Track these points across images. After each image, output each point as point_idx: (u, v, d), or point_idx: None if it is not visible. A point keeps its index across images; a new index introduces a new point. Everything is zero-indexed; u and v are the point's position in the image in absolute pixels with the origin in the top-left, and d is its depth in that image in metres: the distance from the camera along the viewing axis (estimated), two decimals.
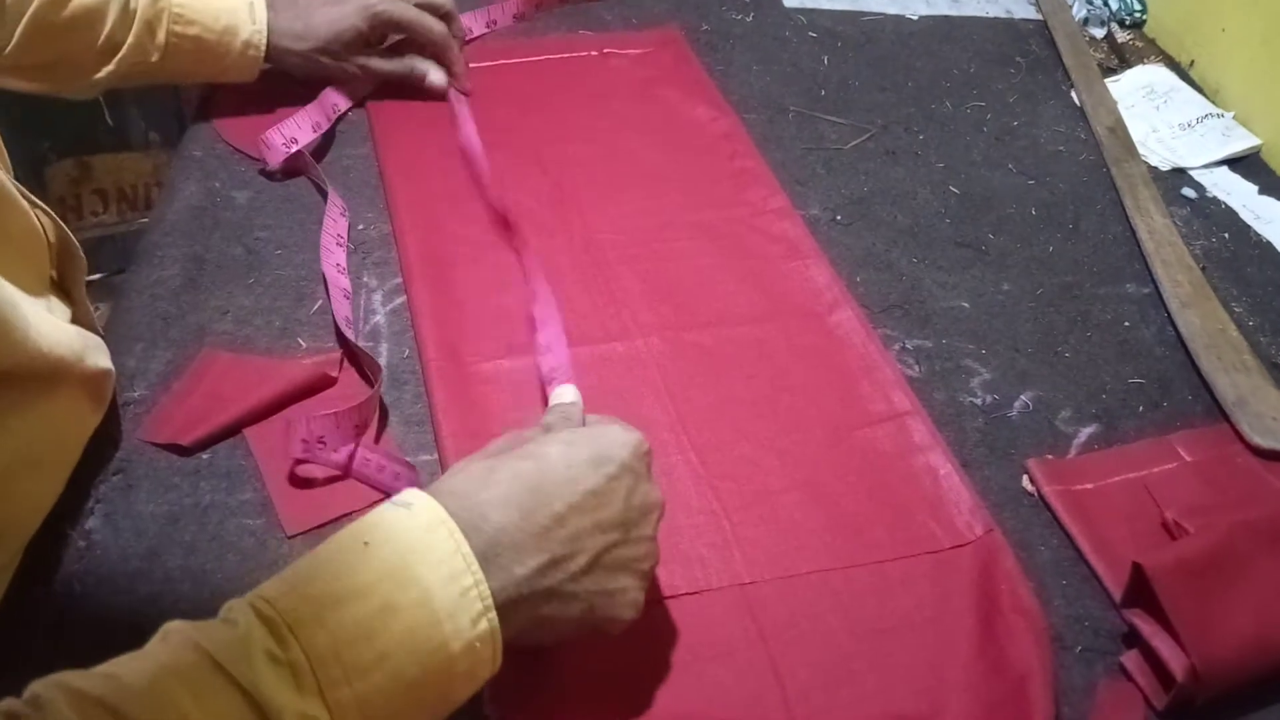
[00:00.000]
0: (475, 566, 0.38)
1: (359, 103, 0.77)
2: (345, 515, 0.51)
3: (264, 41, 0.71)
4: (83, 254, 0.54)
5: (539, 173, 0.73)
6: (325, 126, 0.74)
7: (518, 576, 0.39)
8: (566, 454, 0.42)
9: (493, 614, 0.38)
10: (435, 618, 0.37)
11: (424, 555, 0.37)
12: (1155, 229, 0.72)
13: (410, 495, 0.40)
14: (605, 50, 0.85)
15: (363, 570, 0.37)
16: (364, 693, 0.35)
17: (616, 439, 0.44)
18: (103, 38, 0.65)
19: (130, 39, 0.66)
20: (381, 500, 0.51)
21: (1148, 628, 0.48)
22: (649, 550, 0.43)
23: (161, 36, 0.67)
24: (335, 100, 0.75)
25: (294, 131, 0.71)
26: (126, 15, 0.66)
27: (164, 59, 0.68)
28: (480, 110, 0.78)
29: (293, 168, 0.71)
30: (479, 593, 0.38)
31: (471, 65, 0.82)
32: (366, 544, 0.38)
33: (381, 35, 0.76)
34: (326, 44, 0.72)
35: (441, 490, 0.41)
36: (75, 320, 0.52)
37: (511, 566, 0.39)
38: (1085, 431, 0.59)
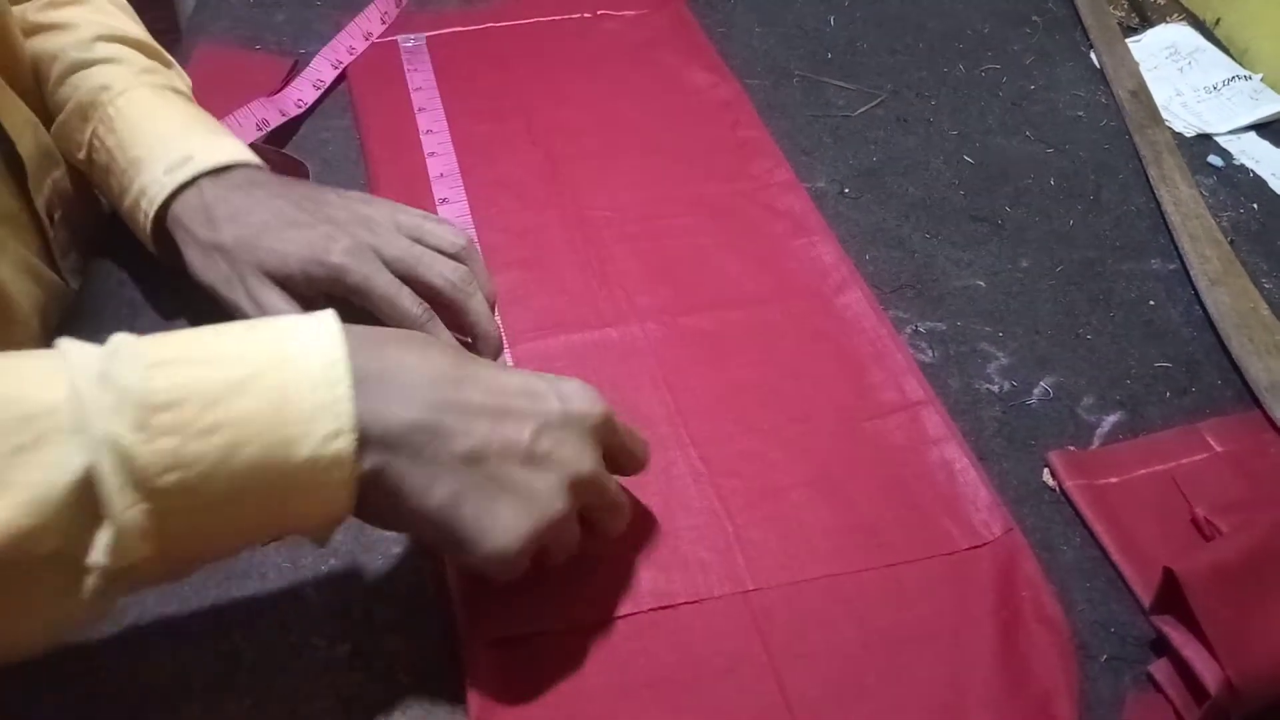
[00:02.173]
0: (346, 385, 0.36)
1: (336, 84, 0.73)
2: None
3: (155, 208, 0.51)
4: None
5: (528, 143, 0.69)
6: (277, 122, 0.67)
7: (392, 420, 0.37)
8: (509, 374, 0.42)
9: (351, 437, 0.36)
10: (283, 415, 0.35)
11: (299, 357, 0.36)
12: (1181, 200, 0.68)
13: (325, 313, 0.38)
14: (599, 11, 0.81)
15: (236, 347, 0.36)
16: (192, 454, 0.34)
17: (572, 391, 0.42)
18: (45, 98, 0.57)
19: (62, 116, 0.56)
20: None
21: (1179, 637, 0.45)
22: (541, 498, 0.40)
23: (86, 134, 0.55)
24: (300, 94, 0.69)
25: (235, 131, 0.64)
26: (64, 85, 0.56)
27: (87, 160, 0.56)
28: (465, 76, 0.74)
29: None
30: (344, 409, 0.35)
31: (457, 29, 0.77)
32: (255, 329, 0.37)
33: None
34: (245, 267, 0.50)
35: (363, 328, 0.39)
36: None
37: (391, 407, 0.37)
38: (1109, 420, 0.56)
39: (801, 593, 0.47)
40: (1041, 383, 0.57)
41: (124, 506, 0.33)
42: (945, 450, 0.52)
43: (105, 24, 0.58)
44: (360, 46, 0.75)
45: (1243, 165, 0.73)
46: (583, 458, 0.41)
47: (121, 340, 0.35)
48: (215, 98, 0.68)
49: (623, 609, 0.46)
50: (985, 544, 0.49)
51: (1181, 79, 0.80)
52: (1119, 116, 0.76)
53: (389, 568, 0.47)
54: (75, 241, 0.58)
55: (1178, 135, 0.75)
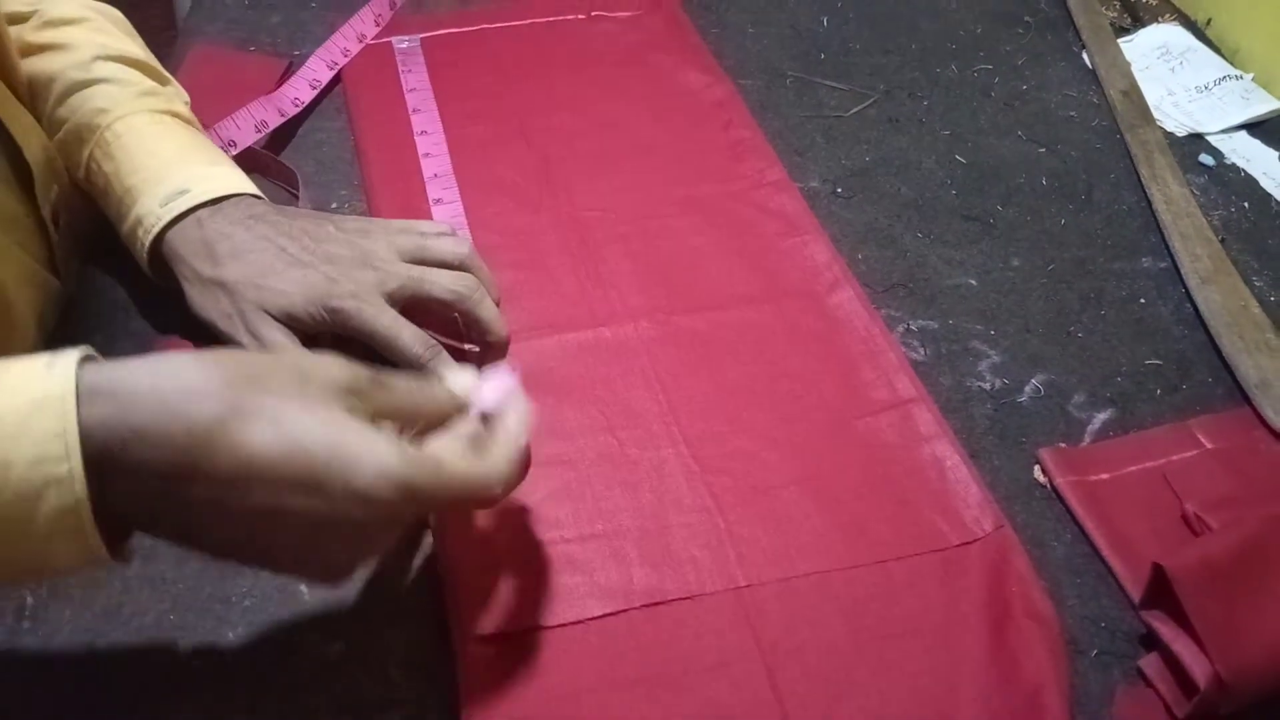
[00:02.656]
0: (76, 462, 0.32)
1: (331, 85, 0.73)
2: None
3: (151, 239, 0.51)
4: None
5: (523, 145, 0.69)
6: (274, 124, 0.67)
7: (127, 514, 0.35)
8: (290, 444, 0.34)
9: (85, 518, 0.33)
10: (5, 493, 0.32)
11: (26, 424, 0.32)
12: (1172, 199, 0.69)
13: (65, 360, 0.34)
14: (593, 13, 0.81)
15: None
16: None
17: (358, 484, 0.35)
18: (44, 117, 0.56)
19: (60, 135, 0.55)
20: None
21: (1169, 632, 0.45)
22: (324, 572, 0.38)
23: (83, 156, 0.55)
24: (297, 94, 0.70)
25: (232, 133, 0.65)
26: (62, 106, 0.55)
27: (85, 180, 0.56)
28: (460, 77, 0.74)
29: (248, 166, 0.66)
30: (68, 491, 0.32)
31: (451, 30, 0.78)
32: None
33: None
34: (246, 304, 0.50)
35: (108, 377, 0.34)
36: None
37: (124, 505, 0.34)
38: (1100, 417, 0.56)
39: (793, 589, 0.47)
40: (1033, 380, 0.58)
41: None
42: (937, 448, 0.53)
43: (103, 44, 0.57)
44: (354, 48, 0.75)
45: (1234, 164, 0.73)
46: (361, 548, 0.38)
47: None
48: (210, 99, 0.68)
49: (616, 605, 0.46)
50: (976, 540, 0.49)
51: (1173, 78, 0.81)
52: (1110, 116, 0.77)
53: (383, 565, 0.47)
54: (77, 247, 0.58)
55: (1169, 134, 0.75)
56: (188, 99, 0.60)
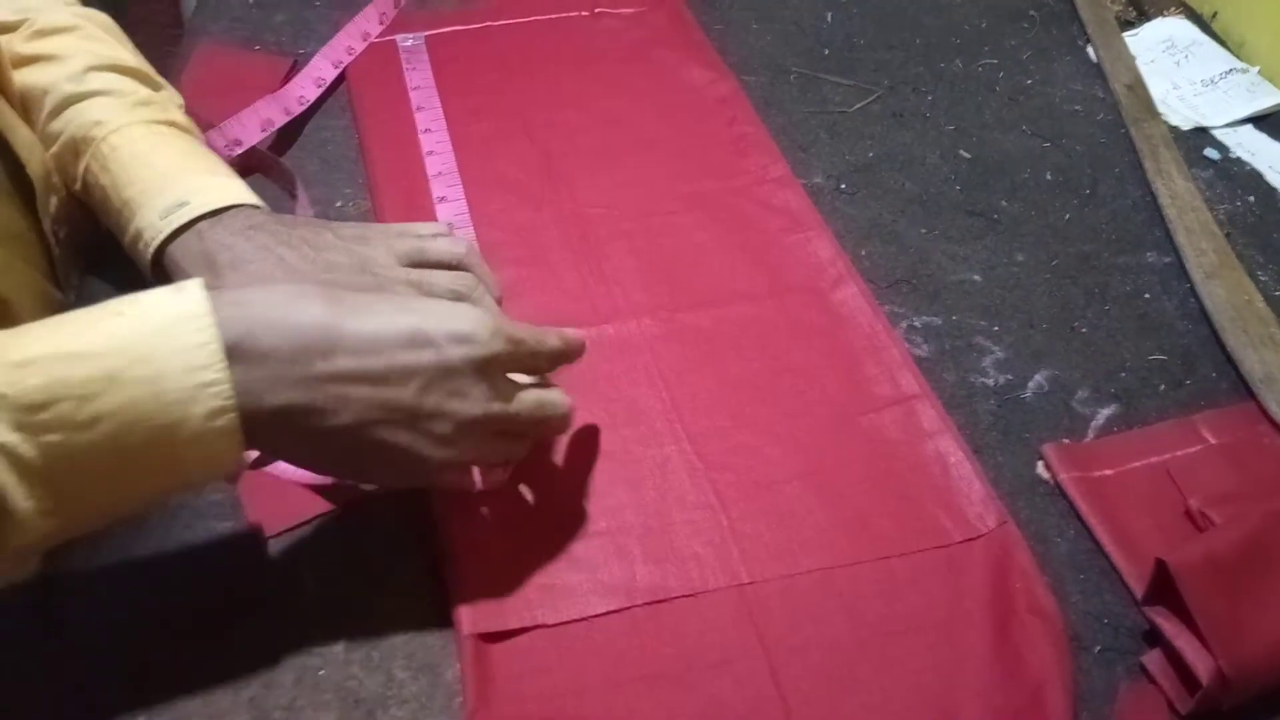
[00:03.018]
0: (221, 366, 0.37)
1: (336, 84, 0.73)
2: (317, 517, 0.48)
3: (152, 251, 0.51)
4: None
5: (526, 141, 0.69)
6: (280, 122, 0.67)
7: (265, 404, 0.38)
8: (390, 319, 0.41)
9: (234, 416, 0.37)
10: (162, 401, 0.36)
11: (169, 340, 0.37)
12: (1177, 193, 0.68)
13: (191, 284, 0.39)
14: (596, 9, 0.81)
15: (101, 336, 0.37)
16: (82, 444, 0.36)
17: (458, 328, 0.41)
18: (38, 130, 0.56)
19: (56, 148, 0.55)
20: (356, 497, 0.49)
21: (1171, 628, 0.45)
22: (432, 453, 0.42)
23: (79, 169, 0.55)
24: (302, 92, 0.70)
25: (238, 132, 0.65)
26: (57, 119, 0.55)
27: (83, 192, 0.56)
28: (463, 74, 0.74)
29: (250, 166, 0.66)
30: (219, 391, 0.37)
31: (456, 28, 0.78)
32: (120, 314, 0.38)
33: None
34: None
35: (229, 295, 0.39)
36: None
37: (263, 394, 0.38)
38: (1104, 413, 0.56)
39: (796, 586, 0.47)
40: (1036, 376, 0.58)
41: (22, 498, 0.35)
42: (940, 444, 0.53)
43: (96, 52, 0.57)
44: (359, 46, 0.75)
45: (1239, 158, 0.73)
46: (471, 403, 0.41)
47: None
48: (215, 98, 0.69)
49: (619, 603, 0.46)
50: (979, 536, 0.49)
51: (1178, 72, 0.80)
52: (1115, 110, 0.77)
53: (385, 563, 0.47)
54: (77, 259, 0.58)
55: (1174, 128, 0.75)
56: (182, 103, 0.60)
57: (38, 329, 0.37)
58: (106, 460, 0.36)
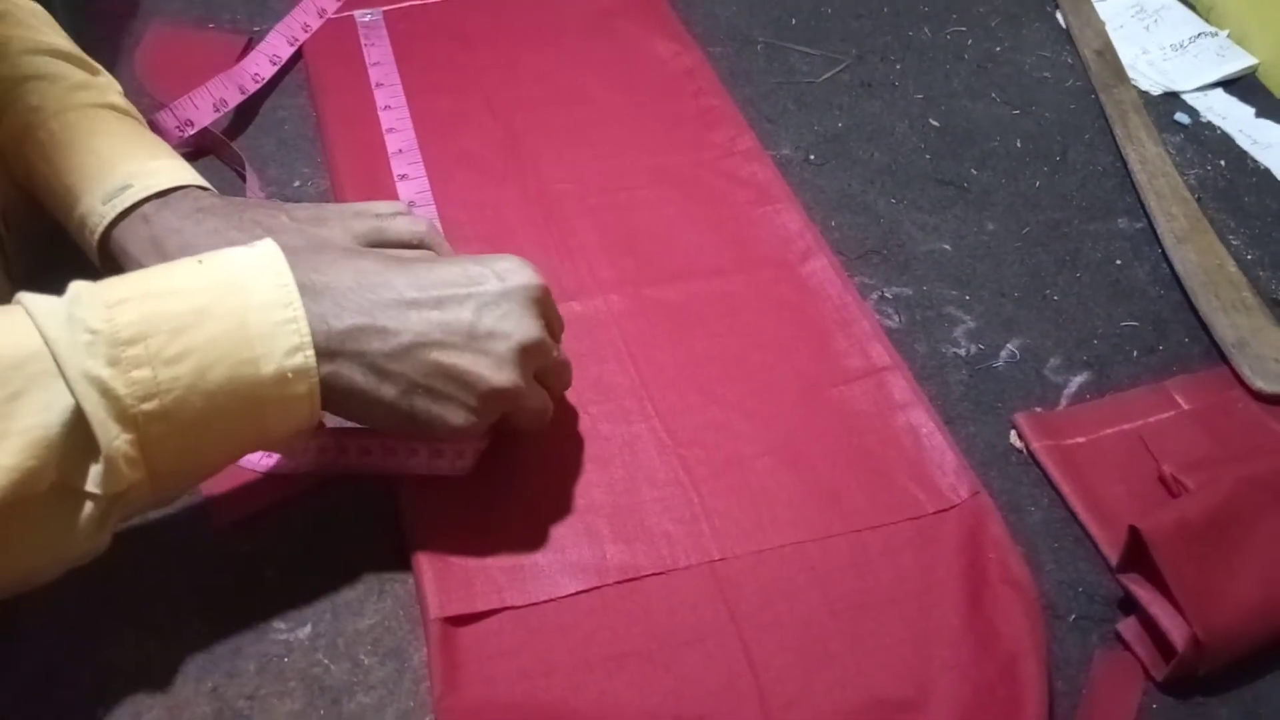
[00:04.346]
0: (297, 303, 0.38)
1: (292, 62, 0.71)
2: (279, 504, 0.47)
3: (97, 238, 0.49)
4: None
5: (488, 117, 0.68)
6: (234, 102, 0.65)
7: (333, 328, 0.39)
8: (438, 264, 0.43)
9: (310, 352, 0.38)
10: (247, 334, 0.37)
11: (249, 280, 0.39)
12: (1147, 158, 0.68)
13: (264, 241, 0.40)
14: None
15: (188, 278, 0.38)
16: (166, 380, 0.36)
17: (510, 264, 0.44)
18: None
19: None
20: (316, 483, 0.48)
21: (1146, 595, 0.45)
22: (491, 375, 0.42)
23: (20, 157, 0.53)
24: (256, 69, 0.68)
25: (190, 112, 0.63)
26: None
27: (27, 182, 0.53)
28: (423, 50, 0.72)
29: (201, 147, 0.64)
30: (297, 328, 0.38)
31: (414, 2, 0.76)
32: (200, 262, 0.39)
33: None
34: None
35: (290, 244, 0.41)
36: None
37: (328, 317, 0.40)
38: (1076, 380, 0.56)
39: (768, 561, 0.46)
40: (1008, 345, 0.57)
41: (110, 438, 0.35)
42: (911, 415, 0.52)
43: (30, 38, 0.55)
44: (315, 23, 0.73)
45: (1209, 122, 0.73)
46: (528, 326, 0.43)
47: (81, 286, 0.37)
48: (167, 78, 0.67)
49: (589, 582, 0.45)
50: (952, 507, 0.48)
51: (1148, 37, 0.80)
52: (1085, 77, 0.76)
53: (349, 548, 0.46)
54: (27, 247, 0.57)
55: (1144, 94, 0.74)
56: (120, 90, 0.57)
57: (130, 277, 0.38)
58: (190, 401, 0.37)
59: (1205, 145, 0.71)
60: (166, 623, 0.44)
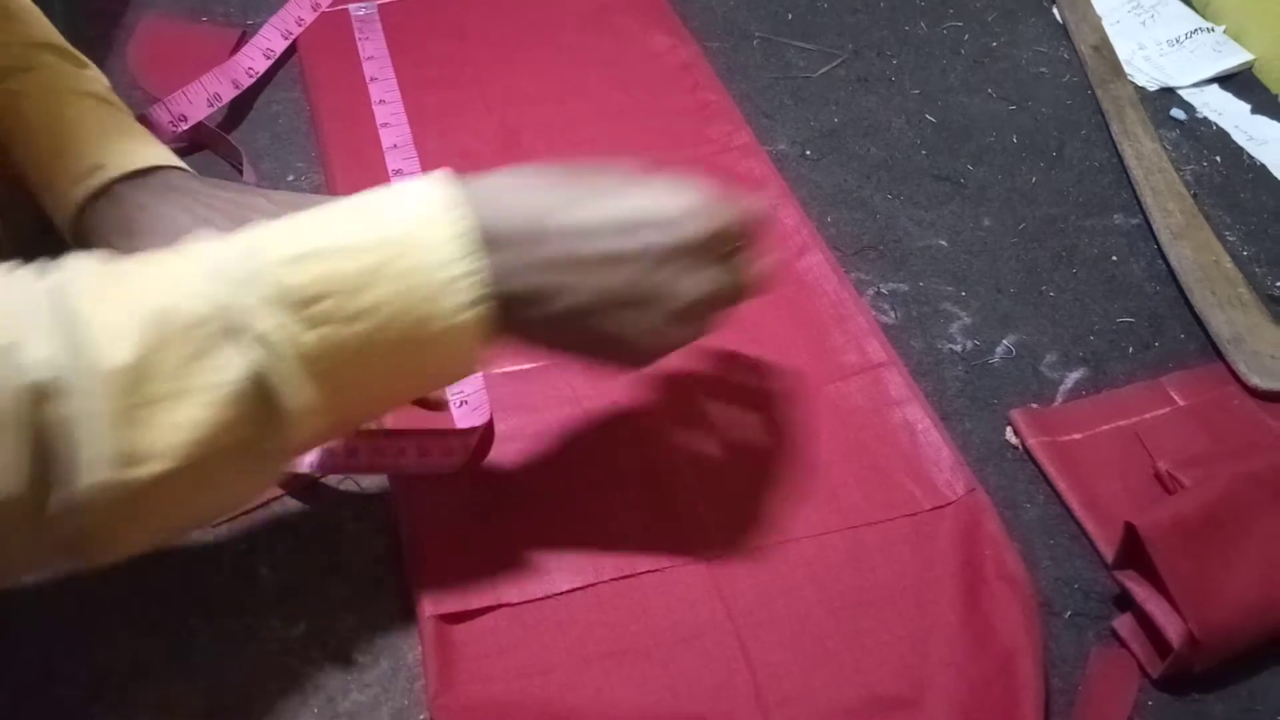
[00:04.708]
0: (475, 256, 0.37)
1: (286, 56, 0.71)
2: (272, 502, 0.47)
3: (69, 224, 0.49)
4: None
5: (484, 111, 0.68)
6: (228, 96, 0.65)
7: (510, 283, 0.38)
8: (618, 200, 0.40)
9: (479, 309, 0.37)
10: (418, 296, 0.36)
11: (430, 231, 0.37)
12: (1144, 154, 0.68)
13: (440, 174, 0.38)
14: None
15: (369, 229, 0.37)
16: (346, 338, 0.36)
17: (680, 212, 0.40)
18: None
19: None
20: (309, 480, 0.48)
21: (1142, 592, 0.45)
22: (662, 331, 0.41)
23: (4, 135, 0.52)
24: (250, 64, 0.67)
25: (184, 107, 0.63)
26: None
27: (11, 168, 0.52)
28: (419, 44, 0.72)
29: (197, 141, 0.64)
30: (474, 283, 0.37)
31: None
32: (382, 204, 0.38)
33: None
34: None
35: (470, 185, 0.39)
36: None
37: (509, 270, 0.38)
38: (1072, 376, 0.56)
39: (764, 558, 0.46)
40: (1004, 341, 0.57)
41: (292, 393, 0.35)
42: (907, 411, 0.52)
43: (20, 31, 0.54)
44: (309, 17, 0.73)
45: (1205, 118, 0.73)
46: (696, 284, 0.41)
47: (251, 239, 0.36)
48: (160, 73, 0.67)
49: (584, 579, 0.45)
50: (948, 504, 0.48)
51: (1144, 32, 0.80)
52: (1081, 72, 0.76)
53: (343, 547, 0.46)
54: (16, 241, 0.56)
55: (1140, 89, 0.74)
56: (107, 83, 0.57)
57: (307, 225, 0.37)
58: (367, 357, 0.37)
59: (1201, 141, 0.71)
60: (162, 621, 0.43)
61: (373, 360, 0.37)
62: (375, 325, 0.36)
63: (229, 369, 0.34)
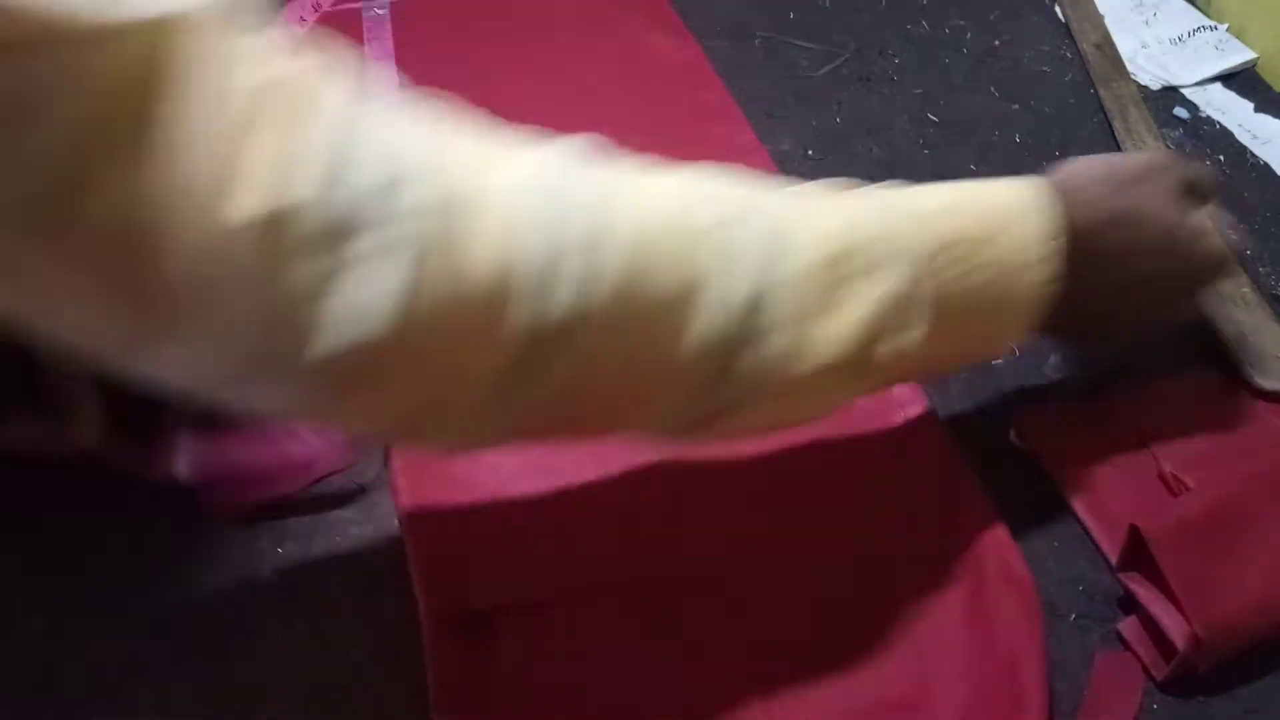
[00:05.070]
0: (1054, 245, 0.42)
1: None
2: (276, 504, 0.47)
3: None
4: None
5: (485, 111, 0.67)
6: None
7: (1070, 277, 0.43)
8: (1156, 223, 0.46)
9: (1051, 285, 0.42)
10: (1016, 262, 0.41)
11: (1024, 216, 0.42)
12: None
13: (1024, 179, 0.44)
14: None
15: (986, 200, 0.43)
16: (965, 287, 0.40)
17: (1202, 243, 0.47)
18: None
19: None
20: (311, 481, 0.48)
21: (1146, 594, 0.45)
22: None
23: None
24: None
25: None
26: None
27: None
28: (415, 40, 0.72)
29: None
30: (1052, 265, 0.42)
31: None
32: (995, 188, 0.44)
33: None
34: None
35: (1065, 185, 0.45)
36: None
37: (1078, 277, 0.43)
38: (1075, 378, 0.55)
39: (767, 560, 0.46)
40: None
41: (910, 327, 0.39)
42: (910, 413, 0.52)
43: None
44: (310, 17, 0.73)
45: (1209, 117, 0.72)
46: (1200, 219, 0.47)
47: (896, 193, 0.42)
48: None
49: (587, 584, 0.45)
50: (952, 506, 0.48)
51: (1147, 31, 0.79)
52: (1084, 71, 0.76)
53: (346, 549, 0.46)
54: None
55: (1143, 88, 0.74)
56: None
57: (925, 189, 0.43)
58: (968, 306, 0.41)
59: (1205, 140, 0.70)
60: (164, 622, 0.43)
61: (969, 310, 0.41)
62: (983, 280, 0.41)
63: (886, 285, 0.39)
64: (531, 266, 0.32)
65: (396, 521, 0.47)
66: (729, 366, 0.36)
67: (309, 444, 0.48)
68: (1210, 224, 0.48)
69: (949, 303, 0.40)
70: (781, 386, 0.38)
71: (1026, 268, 0.42)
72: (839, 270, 0.38)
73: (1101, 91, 0.73)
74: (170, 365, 0.32)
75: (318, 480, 0.48)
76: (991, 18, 0.80)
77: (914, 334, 0.40)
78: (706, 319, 0.35)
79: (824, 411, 0.42)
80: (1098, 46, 0.77)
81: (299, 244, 0.29)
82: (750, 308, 0.36)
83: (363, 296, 0.30)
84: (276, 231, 0.29)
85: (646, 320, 0.35)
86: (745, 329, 0.36)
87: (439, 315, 0.32)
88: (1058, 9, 0.81)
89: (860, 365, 0.39)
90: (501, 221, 0.33)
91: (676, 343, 0.35)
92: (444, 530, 0.46)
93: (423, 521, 0.46)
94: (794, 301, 0.37)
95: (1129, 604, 0.46)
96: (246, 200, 0.28)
